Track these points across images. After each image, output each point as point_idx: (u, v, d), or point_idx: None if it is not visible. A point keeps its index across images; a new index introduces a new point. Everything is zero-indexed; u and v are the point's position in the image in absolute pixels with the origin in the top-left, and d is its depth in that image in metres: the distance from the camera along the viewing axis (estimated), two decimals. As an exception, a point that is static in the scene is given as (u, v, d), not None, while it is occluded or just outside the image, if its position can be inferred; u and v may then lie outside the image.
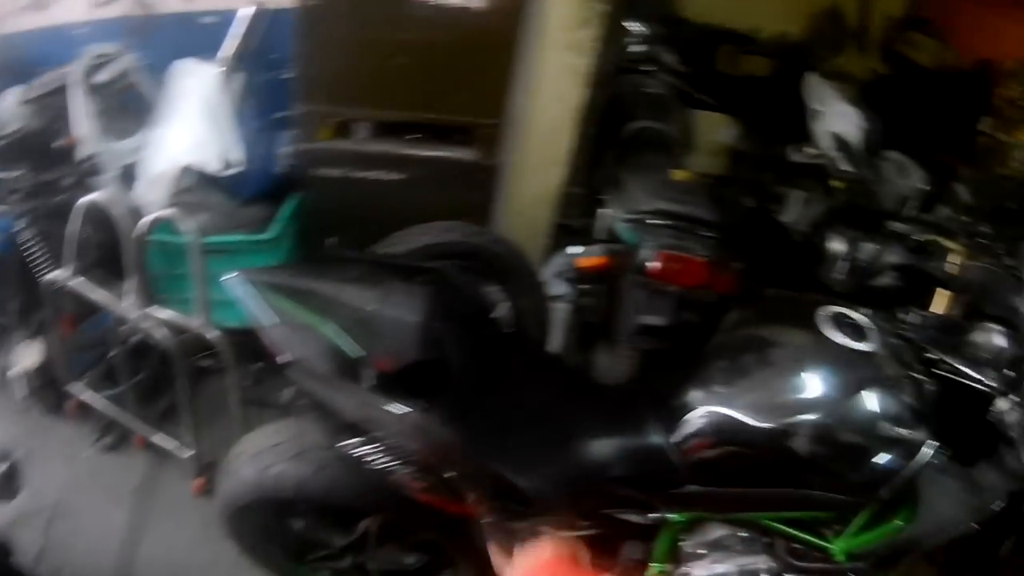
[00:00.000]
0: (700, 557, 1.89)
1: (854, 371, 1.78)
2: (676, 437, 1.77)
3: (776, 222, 3.97)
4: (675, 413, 1.79)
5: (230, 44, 3.20)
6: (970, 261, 3.08)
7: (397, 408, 1.66)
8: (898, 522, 1.83)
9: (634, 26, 4.26)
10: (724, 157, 4.63)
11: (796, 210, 3.87)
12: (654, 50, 4.25)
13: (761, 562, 1.85)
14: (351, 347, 1.72)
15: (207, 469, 3.00)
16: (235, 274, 1.83)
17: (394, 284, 1.89)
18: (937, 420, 1.74)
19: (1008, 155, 4.40)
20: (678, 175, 3.20)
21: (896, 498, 1.78)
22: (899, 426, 1.74)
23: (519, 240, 3.34)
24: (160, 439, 3.15)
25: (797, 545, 1.88)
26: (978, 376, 1.88)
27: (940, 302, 2.27)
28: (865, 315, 1.93)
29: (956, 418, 1.82)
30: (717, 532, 1.87)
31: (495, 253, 3.15)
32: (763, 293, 2.20)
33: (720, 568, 1.85)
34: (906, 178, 4.12)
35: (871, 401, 1.74)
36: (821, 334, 1.75)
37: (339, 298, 1.80)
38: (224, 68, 3.17)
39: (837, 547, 1.82)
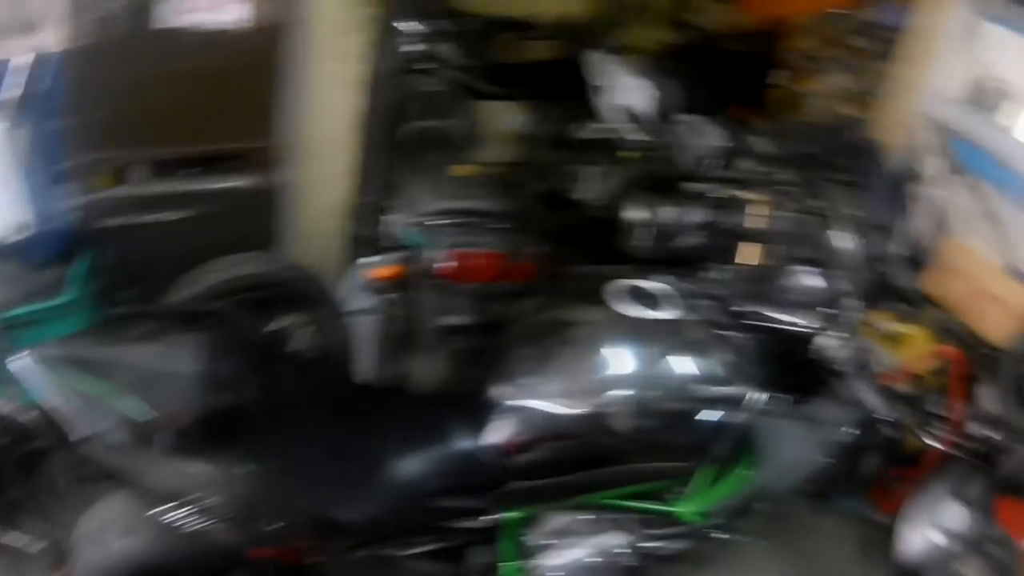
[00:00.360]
0: (549, 548, 1.82)
1: (654, 340, 1.76)
2: (489, 438, 1.76)
3: (571, 201, 3.95)
4: (484, 413, 1.79)
5: (8, 96, 2.90)
6: (775, 210, 3.07)
7: (192, 466, 1.65)
8: (743, 472, 1.82)
9: (409, 26, 4.17)
10: (517, 144, 4.57)
11: (592, 186, 3.85)
12: (432, 48, 4.17)
13: (613, 538, 1.81)
14: (139, 411, 1.68)
15: (62, 559, 2.69)
16: (21, 354, 1.73)
17: (174, 336, 1.87)
18: (767, 369, 1.80)
19: (801, 104, 4.54)
20: (459, 171, 3.14)
21: (734, 451, 1.76)
22: (715, 384, 1.73)
23: (316, 258, 3.25)
24: (8, 539, 2.80)
25: (645, 516, 1.80)
26: (793, 319, 1.87)
27: (749, 254, 2.29)
28: (661, 282, 1.91)
29: (787, 364, 1.90)
30: (559, 520, 1.81)
31: (287, 279, 3.03)
32: (560, 275, 2.16)
33: (575, 552, 1.80)
34: (703, 138, 3.94)
35: (679, 365, 1.72)
36: (616, 310, 1.78)
37: (125, 361, 1.77)
38: (3, 123, 2.88)
39: (684, 510, 1.79)
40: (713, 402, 1.71)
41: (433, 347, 2.89)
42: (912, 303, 3.58)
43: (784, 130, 4.37)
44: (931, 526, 2.92)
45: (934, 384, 3.24)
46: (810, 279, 2.01)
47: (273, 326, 3.06)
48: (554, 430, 1.73)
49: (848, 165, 3.50)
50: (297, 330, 2.97)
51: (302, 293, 3.03)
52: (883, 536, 3.06)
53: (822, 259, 2.06)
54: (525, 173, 4.28)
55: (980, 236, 3.70)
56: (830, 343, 1.83)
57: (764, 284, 2.11)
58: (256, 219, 3.24)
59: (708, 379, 1.73)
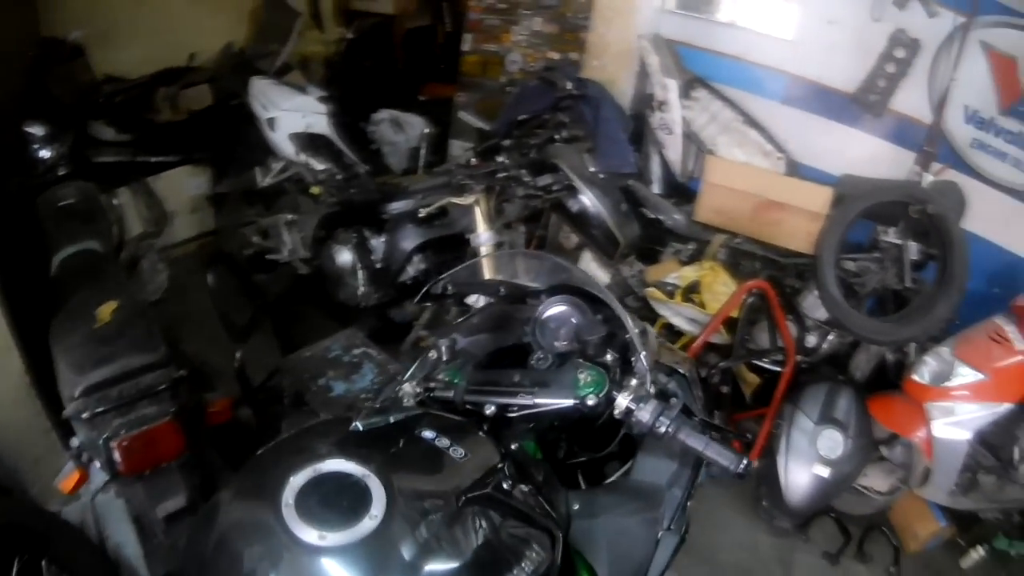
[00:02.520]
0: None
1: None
2: None
3: (276, 263, 3.31)
4: None
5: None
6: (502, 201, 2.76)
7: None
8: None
9: (34, 128, 3.26)
10: (208, 208, 3.86)
11: (288, 239, 3.18)
12: (56, 148, 3.27)
13: None
14: None
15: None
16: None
17: None
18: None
19: (497, 63, 4.09)
20: (104, 314, 2.27)
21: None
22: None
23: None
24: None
25: None
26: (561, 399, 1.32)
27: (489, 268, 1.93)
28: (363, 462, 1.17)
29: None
30: None
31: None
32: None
33: None
34: (405, 132, 3.63)
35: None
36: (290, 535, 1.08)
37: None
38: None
39: None
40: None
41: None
42: (689, 241, 3.40)
43: (485, 98, 4.05)
44: (811, 461, 2.73)
45: (753, 317, 3.07)
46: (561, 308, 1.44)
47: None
48: None
49: (572, 117, 3.24)
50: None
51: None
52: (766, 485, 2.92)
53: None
54: (222, 243, 3.52)
55: (744, 146, 3.49)
56: (622, 403, 1.29)
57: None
58: None
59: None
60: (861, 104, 3.27)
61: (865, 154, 3.31)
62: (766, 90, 3.35)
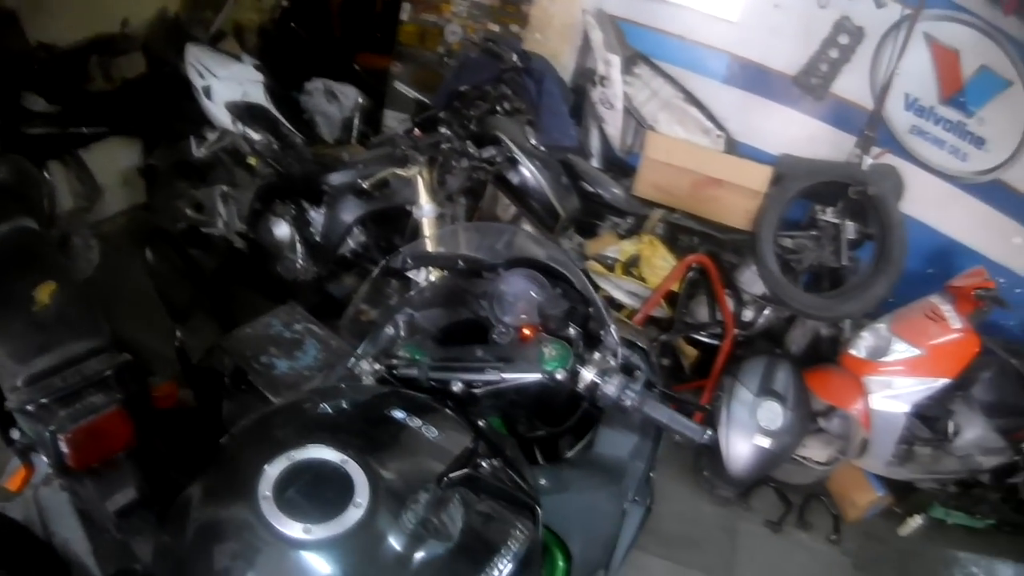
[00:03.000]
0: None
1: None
2: None
3: (211, 237, 3.18)
4: None
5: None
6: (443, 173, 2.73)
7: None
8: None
9: None
10: (139, 181, 3.72)
11: (224, 212, 3.06)
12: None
13: None
14: None
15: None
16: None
17: None
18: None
19: (435, 34, 4.03)
20: (42, 297, 2.14)
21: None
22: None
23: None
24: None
25: None
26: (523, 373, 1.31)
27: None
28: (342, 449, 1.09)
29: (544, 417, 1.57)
30: None
31: None
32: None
33: None
34: (339, 102, 3.56)
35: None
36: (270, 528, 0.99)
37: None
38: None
39: None
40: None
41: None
42: (628, 215, 3.39)
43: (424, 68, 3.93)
44: (751, 433, 2.67)
45: (693, 291, 3.11)
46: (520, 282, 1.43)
47: None
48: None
49: (513, 90, 3.19)
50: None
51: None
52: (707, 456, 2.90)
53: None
54: (155, 217, 3.46)
55: (684, 123, 3.49)
56: (588, 377, 1.29)
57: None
58: None
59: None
60: (802, 87, 3.32)
61: (805, 135, 3.36)
62: (708, 69, 3.37)
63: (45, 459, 1.94)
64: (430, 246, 1.97)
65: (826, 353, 3.20)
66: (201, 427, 2.36)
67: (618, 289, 3.08)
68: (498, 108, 2.96)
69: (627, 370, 1.33)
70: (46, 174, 3.16)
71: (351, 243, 2.76)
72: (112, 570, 2.08)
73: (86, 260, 3.18)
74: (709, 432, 1.26)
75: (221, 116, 3.03)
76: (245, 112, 3.00)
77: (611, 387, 1.27)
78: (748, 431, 2.80)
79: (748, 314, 3.13)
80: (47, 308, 2.04)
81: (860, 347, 2.87)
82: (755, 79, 3.33)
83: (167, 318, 3.01)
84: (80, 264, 3.14)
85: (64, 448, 1.89)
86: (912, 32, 3.12)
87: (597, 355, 1.32)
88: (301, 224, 2.80)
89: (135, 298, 3.18)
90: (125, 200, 3.69)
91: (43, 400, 1.86)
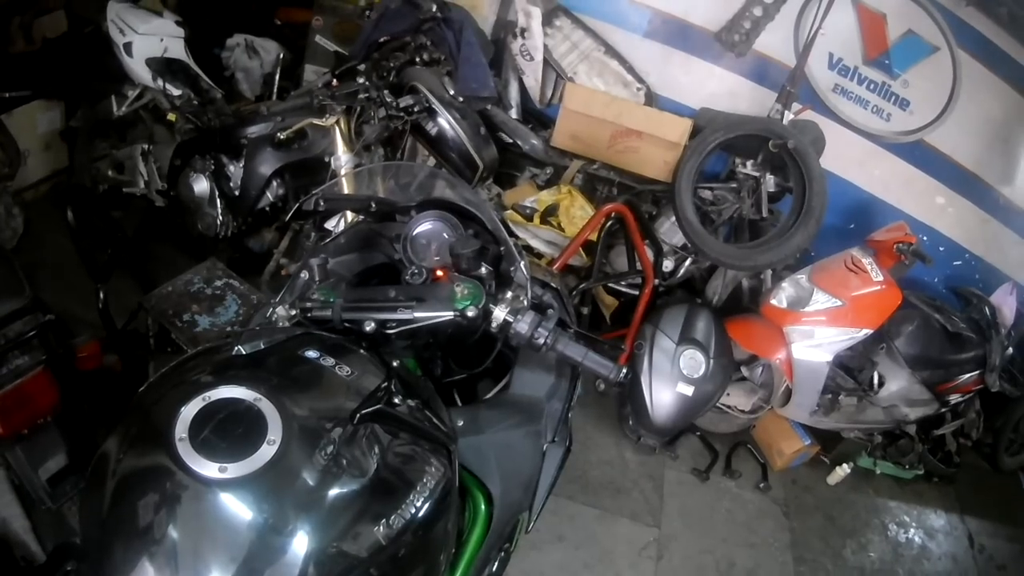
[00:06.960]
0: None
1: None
2: None
3: (133, 196, 3.12)
4: None
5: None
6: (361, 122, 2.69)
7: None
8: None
9: None
10: (62, 145, 3.61)
11: (144, 171, 3.02)
12: None
13: None
14: None
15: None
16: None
17: None
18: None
19: None
20: None
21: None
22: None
23: None
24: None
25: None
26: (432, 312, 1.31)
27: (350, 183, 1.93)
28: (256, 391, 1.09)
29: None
30: None
31: None
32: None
33: None
34: (260, 57, 3.53)
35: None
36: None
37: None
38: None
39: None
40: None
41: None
42: (546, 166, 3.41)
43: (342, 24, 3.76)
44: (674, 381, 2.79)
45: (612, 241, 3.15)
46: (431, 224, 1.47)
47: None
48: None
49: (432, 41, 3.17)
50: None
51: None
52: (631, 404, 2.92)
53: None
54: (76, 179, 3.37)
55: (604, 76, 3.47)
56: (499, 315, 1.30)
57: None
58: None
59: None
60: (724, 43, 3.34)
61: (725, 90, 3.40)
62: (629, 23, 3.37)
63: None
64: (344, 188, 1.92)
65: (748, 305, 3.26)
66: (128, 389, 2.33)
67: (536, 238, 3.09)
68: (417, 59, 2.95)
69: (540, 309, 1.32)
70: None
71: (269, 196, 2.74)
72: (52, 545, 2.04)
73: (10, 229, 3.12)
74: (625, 370, 1.27)
75: (142, 73, 2.98)
76: (165, 67, 2.95)
77: (523, 325, 1.28)
78: (671, 379, 2.84)
79: (668, 264, 3.15)
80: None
81: (781, 297, 2.92)
82: (676, 34, 3.34)
83: (89, 280, 2.98)
84: (4, 234, 3.08)
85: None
86: (837, -6, 3.14)
87: (509, 294, 1.32)
88: (220, 179, 2.77)
89: (58, 264, 3.15)
90: (48, 166, 3.59)
91: None
